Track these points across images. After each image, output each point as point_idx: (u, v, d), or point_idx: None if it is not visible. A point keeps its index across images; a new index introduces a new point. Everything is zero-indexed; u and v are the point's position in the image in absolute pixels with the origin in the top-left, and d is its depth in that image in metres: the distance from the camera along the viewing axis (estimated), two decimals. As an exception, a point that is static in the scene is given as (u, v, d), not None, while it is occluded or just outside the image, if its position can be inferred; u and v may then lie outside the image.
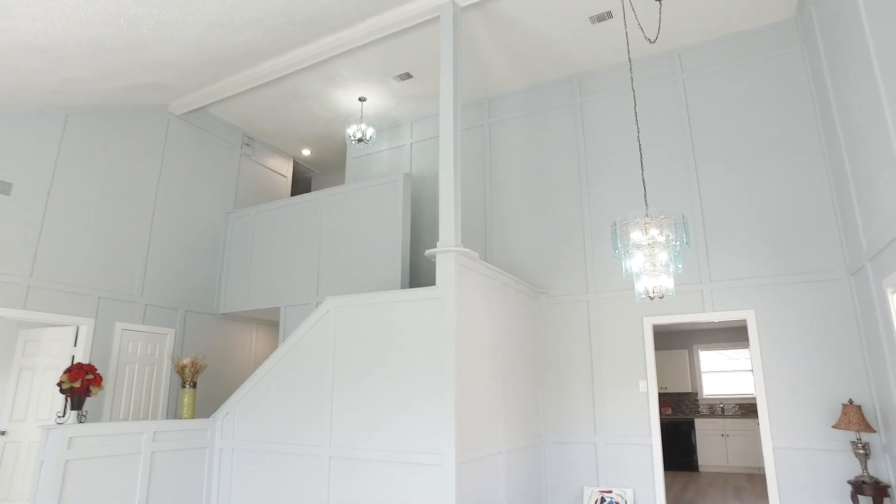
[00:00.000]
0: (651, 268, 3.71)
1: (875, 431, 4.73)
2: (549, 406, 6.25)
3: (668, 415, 10.35)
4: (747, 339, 10.34)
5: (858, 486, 4.67)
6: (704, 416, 10.01)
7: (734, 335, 10.47)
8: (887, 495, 4.60)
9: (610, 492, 5.75)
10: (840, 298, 5.28)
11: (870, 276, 4.58)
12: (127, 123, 6.75)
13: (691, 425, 9.80)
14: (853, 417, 4.72)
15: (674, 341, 10.88)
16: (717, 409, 10.32)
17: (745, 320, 5.72)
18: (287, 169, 9.50)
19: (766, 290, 5.56)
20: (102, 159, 6.43)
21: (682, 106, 6.36)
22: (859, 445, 4.73)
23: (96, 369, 4.60)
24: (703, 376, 10.62)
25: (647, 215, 3.79)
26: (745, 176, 5.89)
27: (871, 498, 4.63)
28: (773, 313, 5.49)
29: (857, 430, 4.67)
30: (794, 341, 5.37)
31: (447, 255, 4.59)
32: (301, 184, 10.70)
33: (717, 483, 8.33)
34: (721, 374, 10.57)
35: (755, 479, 8.61)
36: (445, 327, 4.48)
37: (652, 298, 3.73)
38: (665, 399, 10.72)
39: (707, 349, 10.69)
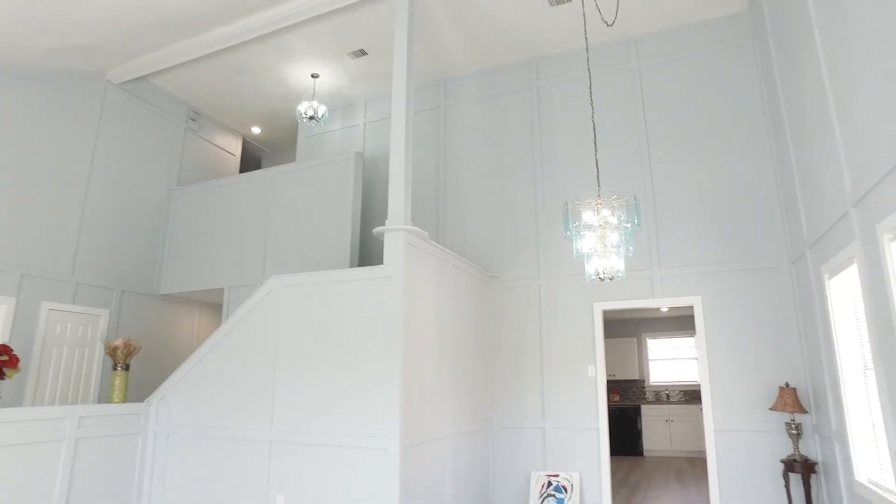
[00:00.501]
0: (602, 249, 3.68)
1: (807, 412, 4.88)
2: (498, 391, 6.22)
3: (616, 401, 10.55)
4: (693, 329, 10.63)
5: (790, 465, 4.82)
6: (650, 402, 10.25)
7: (681, 324, 10.74)
8: (814, 472, 4.77)
9: (557, 476, 5.77)
10: (781, 286, 5.42)
11: (809, 264, 4.70)
12: (57, 89, 6.29)
13: (638, 411, 10.01)
14: (788, 399, 4.85)
15: (623, 329, 11.08)
16: (663, 396, 10.58)
17: (692, 307, 5.81)
18: (236, 147, 9.13)
19: (713, 277, 5.66)
20: (27, 126, 5.99)
21: (636, 94, 6.39)
22: (793, 426, 4.88)
23: (12, 350, 4.27)
24: (651, 364, 10.87)
25: (599, 196, 3.75)
26: (695, 165, 5.97)
27: (800, 475, 4.79)
28: (719, 300, 5.59)
29: (792, 412, 4.81)
30: (737, 327, 5.49)
31: (396, 233, 4.46)
32: (251, 163, 10.32)
33: (661, 467, 8.53)
34: (667, 362, 10.83)
35: (696, 462, 8.86)
36: (393, 308, 4.35)
37: (602, 280, 3.71)
38: (613, 386, 10.92)
39: (654, 337, 10.93)
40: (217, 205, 7.29)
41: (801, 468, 4.77)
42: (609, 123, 6.43)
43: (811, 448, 5.02)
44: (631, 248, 3.81)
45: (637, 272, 5.92)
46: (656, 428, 9.86)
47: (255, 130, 9.16)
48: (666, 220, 5.95)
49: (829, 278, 4.22)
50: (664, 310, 9.68)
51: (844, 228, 3.77)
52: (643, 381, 10.78)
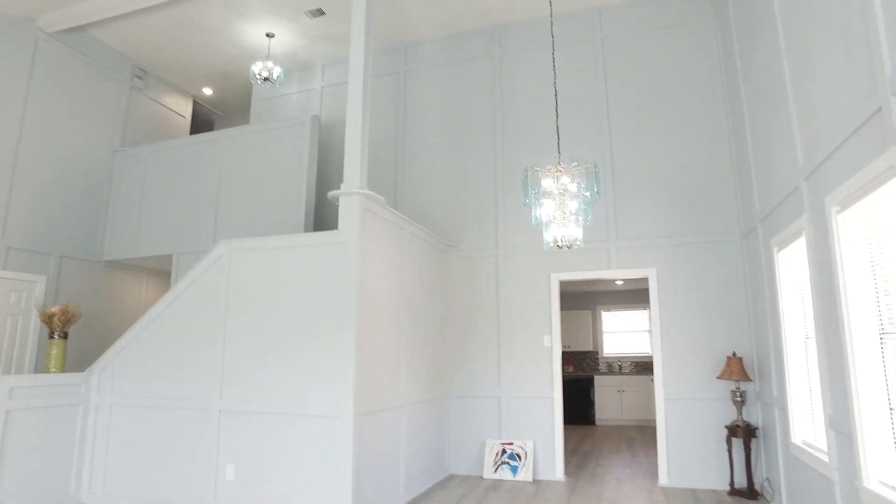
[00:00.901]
0: (561, 217, 3.65)
1: (751, 381, 5.05)
2: (454, 360, 6.22)
3: (570, 372, 10.76)
4: (646, 302, 10.89)
5: (733, 430, 5.00)
6: (603, 373, 10.49)
7: (634, 298, 10.99)
8: (755, 436, 4.97)
9: (511, 444, 5.84)
10: (732, 259, 5.55)
11: (760, 237, 4.81)
12: (-16, 37, 5.82)
13: (591, 382, 10.24)
14: (735, 368, 5.01)
15: (578, 302, 11.26)
16: (615, 367, 10.86)
17: (646, 279, 5.90)
18: (186, 108, 8.71)
19: (668, 249, 5.75)
20: (-46, 76, 5.53)
21: (599, 66, 6.35)
22: (737, 394, 5.05)
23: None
24: (604, 336, 11.11)
25: (559, 163, 3.71)
26: (654, 139, 6.01)
27: (741, 439, 4.98)
28: (673, 272, 5.69)
29: (737, 380, 4.97)
30: (689, 299, 5.61)
31: (351, 197, 4.33)
32: (203, 127, 9.88)
33: (612, 435, 8.78)
34: (620, 335, 11.09)
35: (645, 431, 9.16)
36: (348, 274, 4.25)
37: (560, 248, 3.69)
38: (568, 357, 11.13)
39: (609, 310, 11.15)
40: (166, 168, 6.95)
41: (742, 433, 4.95)
42: (570, 95, 6.38)
43: (753, 414, 5.21)
44: (590, 216, 3.80)
45: (594, 244, 5.96)
46: (608, 398, 10.12)
47: (207, 91, 8.75)
48: (624, 192, 5.99)
49: (779, 251, 4.33)
50: (619, 283, 9.87)
51: (795, 202, 3.85)
52: (597, 353, 11.02)
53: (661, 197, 5.87)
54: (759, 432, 5.09)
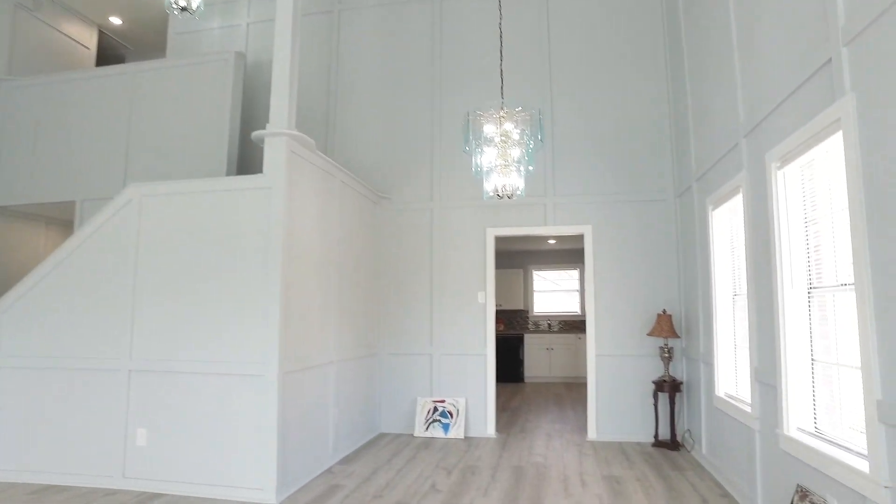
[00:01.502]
0: (503, 165, 3.49)
1: (679, 337, 5.20)
2: (386, 316, 6.05)
3: (501, 330, 10.89)
4: (576, 262, 11.11)
5: (659, 384, 5.16)
6: (533, 331, 10.68)
7: (565, 258, 11.17)
8: (679, 390, 5.14)
9: (443, 401, 5.79)
10: (666, 218, 5.63)
11: (694, 196, 4.87)
12: None
13: (521, 340, 10.41)
14: (664, 325, 5.13)
15: (510, 261, 11.33)
16: (545, 326, 11.08)
17: (580, 237, 5.90)
18: (90, 39, 7.82)
19: (604, 207, 5.75)
20: None
21: (543, 18, 6.15)
22: (665, 350, 5.19)
23: None
24: (535, 295, 11.27)
25: (502, 108, 3.52)
26: (596, 95, 5.93)
27: (667, 394, 5.15)
28: (608, 230, 5.72)
29: (666, 337, 5.09)
30: (623, 257, 5.67)
31: (277, 138, 3.98)
32: (111, 61, 8.95)
33: (541, 391, 8.99)
34: (550, 294, 11.29)
35: (572, 387, 9.44)
36: (273, 222, 3.94)
37: (501, 197, 3.54)
38: (499, 316, 11.24)
39: (540, 270, 11.30)
40: (67, 103, 6.22)
41: (668, 387, 5.11)
42: (512, 47, 6.17)
43: (678, 369, 5.39)
44: (531, 166, 3.66)
45: (531, 199, 5.88)
46: (537, 356, 10.34)
47: (115, 21, 7.89)
48: (563, 148, 5.92)
49: (713, 209, 4.38)
50: (551, 242, 9.96)
51: (733, 159, 3.87)
52: (527, 312, 11.19)
53: (599, 154, 5.84)
54: (684, 387, 5.28)
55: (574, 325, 10.99)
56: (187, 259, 4.11)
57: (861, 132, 2.31)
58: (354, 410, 5.31)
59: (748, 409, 3.65)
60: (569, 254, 11.17)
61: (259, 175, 4.02)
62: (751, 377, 3.55)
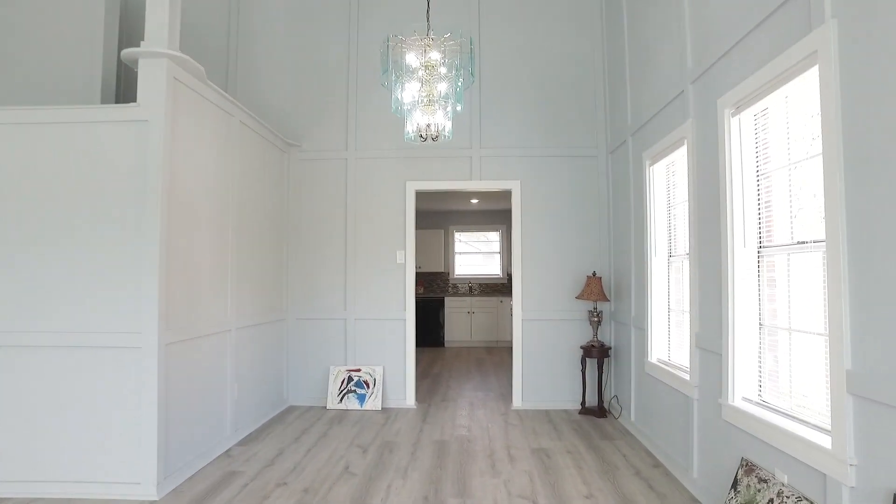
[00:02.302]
0: (427, 101, 3.02)
1: (608, 300, 5.04)
2: (295, 278, 5.49)
3: (421, 293, 10.56)
4: (498, 223, 10.90)
5: (588, 350, 4.99)
6: (453, 294, 10.43)
7: (488, 219, 10.93)
8: (608, 356, 5.01)
9: (358, 370, 5.37)
10: (598, 175, 5.39)
11: (630, 151, 4.63)
12: None
13: (441, 303, 10.13)
14: (594, 288, 4.94)
15: (431, 221, 10.94)
16: (465, 289, 10.86)
17: (508, 193, 5.57)
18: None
19: (533, 162, 5.43)
20: None
21: (471, -53, 5.62)
22: (594, 314, 5.02)
23: None
24: (456, 257, 10.99)
25: (428, 34, 3.03)
26: (528, 45, 5.52)
27: (595, 359, 5.00)
28: (537, 186, 5.42)
29: (596, 300, 4.91)
30: (552, 215, 5.40)
31: (154, 60, 3.28)
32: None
33: (462, 356, 8.78)
34: (472, 256, 11.05)
35: (493, 351, 9.31)
36: (150, 164, 3.27)
37: (424, 140, 3.08)
38: (419, 278, 10.88)
39: (461, 231, 11.00)
40: None
41: (597, 353, 4.96)
42: (440, -23, 5.62)
43: (607, 334, 5.26)
44: (460, 106, 3.22)
45: (456, 151, 5.46)
46: (458, 319, 10.12)
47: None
48: (491, 98, 5.50)
49: (651, 164, 4.15)
50: (473, 202, 9.65)
51: (678, 108, 3.61)
52: (447, 274, 10.91)
53: (529, 106, 5.48)
54: (612, 352, 5.16)
55: (495, 289, 10.85)
56: (41, 205, 3.34)
57: (842, 65, 2.04)
58: (258, 383, 4.79)
59: (686, 376, 3.49)
60: (491, 214, 10.92)
61: (132, 105, 3.30)
62: (691, 343, 3.37)
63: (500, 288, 10.84)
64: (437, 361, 8.27)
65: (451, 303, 10.15)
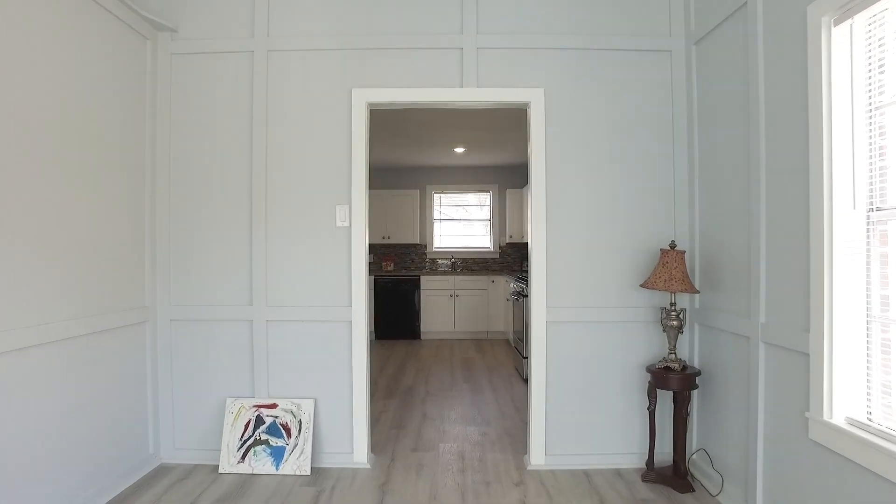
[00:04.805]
0: None
1: (697, 292, 3.02)
2: (164, 253, 3.39)
3: (390, 271, 8.51)
4: (490, 182, 8.84)
5: (660, 375, 2.99)
6: (432, 272, 8.40)
7: (475, 176, 8.85)
8: (693, 385, 3.01)
9: (273, 406, 3.33)
10: (672, 81, 3.35)
11: (759, 16, 2.57)
12: None
13: (416, 284, 8.10)
14: (675, 271, 2.93)
15: (401, 179, 8.83)
16: (447, 265, 8.83)
17: (524, 107, 3.53)
18: None
19: (565, 59, 3.36)
20: None
21: None
22: (673, 314, 3.03)
23: None
24: (435, 225, 8.93)
25: None
26: None
27: (675, 391, 3.02)
28: (571, 99, 3.36)
29: (682, 291, 2.90)
30: (596, 149, 3.36)
31: None
32: None
33: (443, 355, 6.79)
34: (455, 224, 9.00)
35: (483, 347, 7.34)
36: None
37: None
38: (386, 251, 8.82)
39: (443, 192, 8.92)
40: None
41: (676, 381, 2.96)
42: None
43: (689, 346, 3.27)
44: None
45: (436, 39, 3.36)
46: (438, 305, 8.11)
47: None
48: (495, -46, 3.39)
49: (837, 22, 2.11)
50: (459, 150, 7.56)
51: None
52: (424, 247, 8.86)
53: (558, -30, 3.39)
54: (701, 379, 3.16)
55: (485, 265, 8.84)
56: None
57: None
58: (97, 432, 2.75)
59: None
60: (480, 172, 8.85)
61: None
62: None
63: (490, 264, 8.83)
64: (411, 364, 6.26)
65: (428, 283, 8.12)
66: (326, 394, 3.36)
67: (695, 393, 3.16)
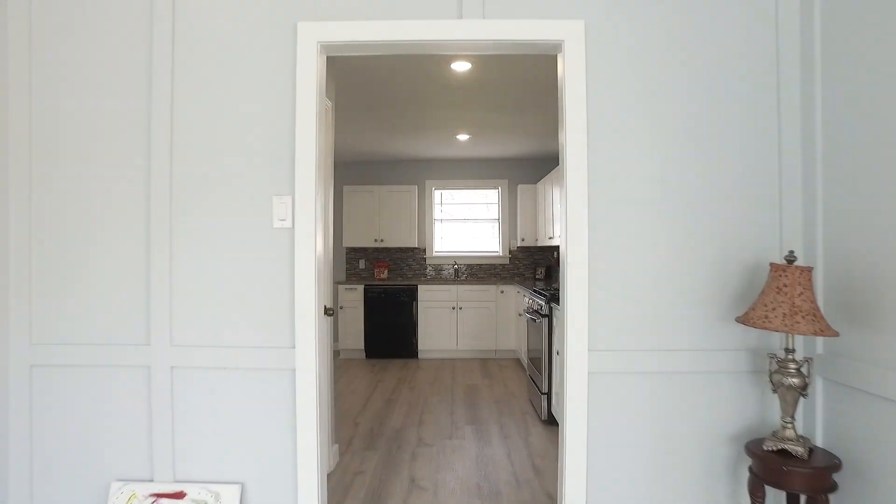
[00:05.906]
0: None
1: (836, 334, 1.92)
2: (26, 262, 2.34)
3: (384, 279, 7.45)
4: (499, 177, 7.75)
5: (773, 466, 1.90)
6: (432, 281, 7.32)
7: (482, 170, 7.77)
8: (828, 485, 1.90)
9: (180, 495, 2.26)
10: (777, 21, 2.27)
11: None
12: None
13: (413, 294, 7.03)
14: (799, 299, 1.84)
15: (396, 174, 7.76)
16: (449, 272, 7.76)
17: (558, 44, 2.61)
18: None
19: (614, -22, 2.28)
20: None
21: None
22: (793, 365, 1.93)
23: None
24: (436, 226, 7.85)
25: None
26: None
27: (798, 483, 1.93)
28: (623, 40, 2.28)
29: (814, 333, 1.80)
30: (668, 113, 2.28)
31: None
32: None
33: (443, 380, 5.70)
34: (460, 224, 7.92)
35: (491, 369, 6.25)
36: None
37: None
38: (380, 257, 7.76)
39: (445, 188, 7.84)
40: None
41: (800, 478, 1.87)
42: None
43: (815, 416, 2.17)
44: None
45: (428, -46, 2.29)
46: (438, 318, 7.03)
47: None
48: None
49: None
50: (462, 138, 6.47)
51: None
52: (423, 251, 7.79)
53: None
54: (844, 471, 2.05)
55: (493, 273, 7.76)
56: None
57: None
58: None
59: None
60: (487, 164, 7.77)
61: None
62: None
63: (499, 271, 7.75)
64: (403, 394, 5.18)
65: (427, 293, 7.05)
66: (259, 476, 2.29)
67: (831, 497, 2.06)
